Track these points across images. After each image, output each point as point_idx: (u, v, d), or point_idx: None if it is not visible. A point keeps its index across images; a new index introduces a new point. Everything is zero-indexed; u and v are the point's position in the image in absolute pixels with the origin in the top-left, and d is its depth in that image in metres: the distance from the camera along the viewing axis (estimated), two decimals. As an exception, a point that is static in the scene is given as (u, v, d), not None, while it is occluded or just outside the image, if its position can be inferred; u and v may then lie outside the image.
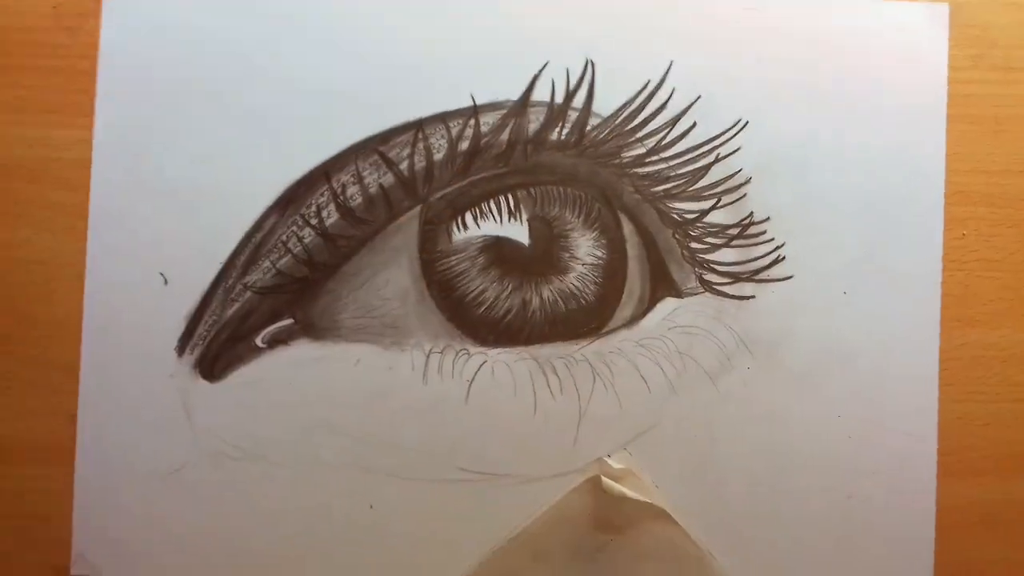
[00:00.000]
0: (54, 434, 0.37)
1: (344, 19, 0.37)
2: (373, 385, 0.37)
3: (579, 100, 0.37)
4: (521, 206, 0.37)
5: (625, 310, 0.37)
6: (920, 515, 0.37)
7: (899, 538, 0.37)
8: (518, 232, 0.37)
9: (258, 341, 0.37)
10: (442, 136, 0.37)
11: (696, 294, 0.37)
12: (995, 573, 0.38)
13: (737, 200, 0.37)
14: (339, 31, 0.37)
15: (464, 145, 0.37)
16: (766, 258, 0.37)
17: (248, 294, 0.36)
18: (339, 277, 0.37)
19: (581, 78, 0.37)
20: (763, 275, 0.37)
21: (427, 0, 0.37)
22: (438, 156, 0.36)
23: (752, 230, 0.37)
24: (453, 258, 0.37)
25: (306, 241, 0.36)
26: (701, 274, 0.37)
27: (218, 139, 0.37)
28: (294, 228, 0.36)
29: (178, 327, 0.36)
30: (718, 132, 0.37)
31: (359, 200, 0.36)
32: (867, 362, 0.37)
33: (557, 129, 0.37)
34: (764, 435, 0.37)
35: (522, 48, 0.37)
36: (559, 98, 0.37)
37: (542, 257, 0.37)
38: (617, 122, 0.37)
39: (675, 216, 0.37)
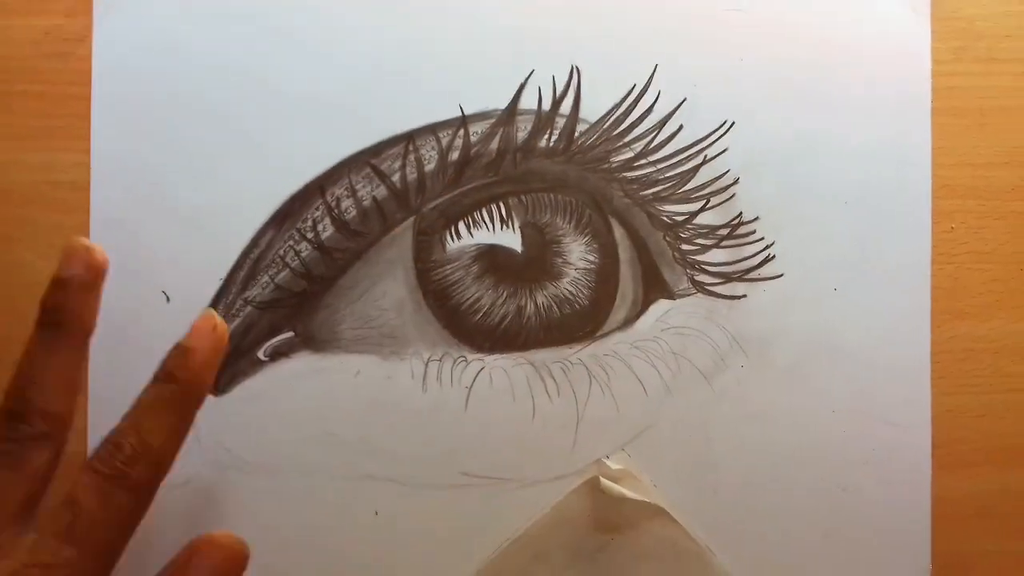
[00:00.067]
0: (65, 453, 0.37)
1: (332, 33, 0.37)
2: (374, 394, 0.37)
3: (566, 107, 0.37)
4: (513, 214, 0.37)
5: (619, 313, 0.38)
6: (915, 508, 0.37)
7: (895, 530, 0.37)
8: (511, 239, 0.37)
9: (260, 354, 0.37)
10: (432, 147, 0.37)
11: (688, 295, 0.37)
12: (991, 565, 0.38)
13: (726, 201, 0.37)
14: (327, 46, 0.37)
15: (454, 155, 0.37)
16: (756, 257, 0.37)
17: (248, 309, 0.37)
18: (337, 290, 0.37)
19: (567, 85, 0.37)
20: (754, 274, 0.37)
21: (413, 13, 0.37)
22: (429, 167, 0.37)
23: (742, 230, 0.37)
24: (447, 267, 0.37)
25: (303, 255, 0.37)
26: (692, 275, 0.37)
27: (214, 157, 0.37)
28: (291, 243, 0.37)
29: (181, 343, 0.37)
30: (705, 134, 0.37)
31: (353, 213, 0.37)
32: (859, 356, 0.37)
33: (545, 136, 0.37)
34: (759, 432, 0.37)
35: (508, 57, 0.37)
36: (546, 106, 0.37)
37: (535, 263, 0.37)
38: (604, 127, 0.37)
39: (665, 219, 0.37)
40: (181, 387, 0.31)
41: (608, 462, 0.37)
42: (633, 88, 0.37)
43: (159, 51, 0.37)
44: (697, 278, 0.37)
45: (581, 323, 0.37)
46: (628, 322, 0.37)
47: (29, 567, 0.28)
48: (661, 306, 0.37)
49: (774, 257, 0.37)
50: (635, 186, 0.37)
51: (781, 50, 0.37)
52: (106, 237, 0.37)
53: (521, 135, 0.37)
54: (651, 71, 0.37)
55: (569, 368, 0.37)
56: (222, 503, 0.37)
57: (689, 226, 0.37)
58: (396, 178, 0.37)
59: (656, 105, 0.37)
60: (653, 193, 0.37)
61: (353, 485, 0.37)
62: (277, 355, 0.37)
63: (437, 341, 0.37)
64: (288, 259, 0.37)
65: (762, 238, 0.37)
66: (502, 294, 0.37)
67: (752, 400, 0.37)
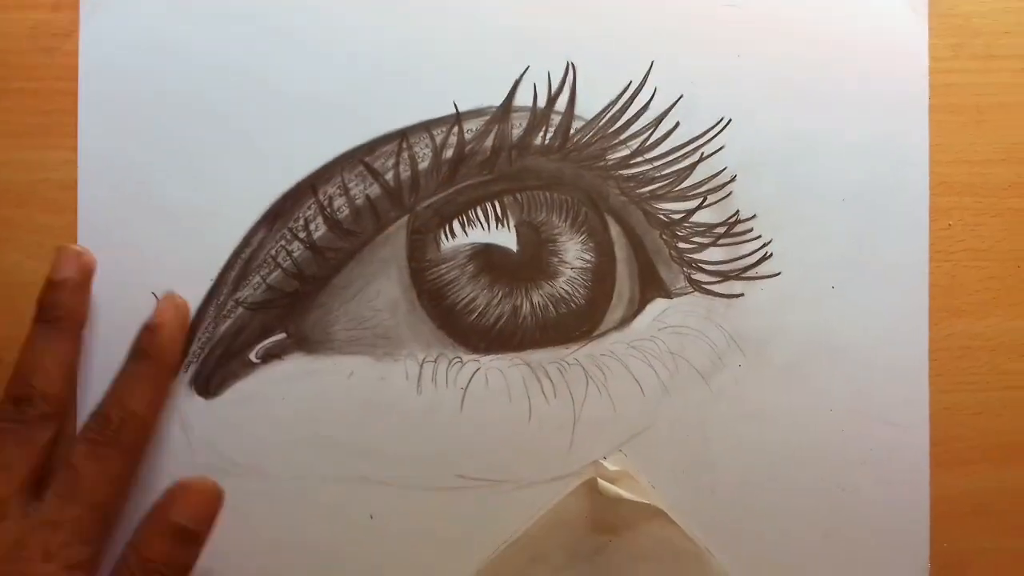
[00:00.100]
0: (55, 456, 0.37)
1: (324, 31, 0.37)
2: (367, 396, 0.37)
3: (561, 104, 0.37)
4: (508, 212, 0.37)
5: (615, 312, 0.37)
6: (913, 506, 0.37)
7: (893, 529, 0.37)
8: (506, 238, 0.37)
9: (252, 356, 0.37)
10: (426, 145, 0.37)
11: (685, 294, 0.37)
12: (988, 562, 0.38)
13: (723, 199, 0.37)
14: (319, 43, 0.37)
15: (449, 153, 0.36)
16: (753, 255, 0.37)
17: (240, 310, 0.37)
18: (329, 290, 0.37)
19: (563, 82, 0.37)
20: (751, 272, 0.37)
21: (406, 9, 0.37)
22: (423, 165, 0.37)
23: (739, 228, 0.37)
24: (442, 267, 0.37)
25: (295, 255, 0.36)
26: (690, 274, 0.37)
27: (203, 155, 0.37)
28: (283, 242, 0.36)
29: (172, 345, 0.37)
30: (701, 131, 0.37)
31: (346, 212, 0.36)
32: (857, 355, 0.37)
33: (541, 134, 0.37)
34: (757, 431, 0.37)
35: (503, 53, 0.37)
36: (541, 103, 0.37)
37: (531, 262, 0.37)
38: (600, 125, 0.37)
39: (662, 217, 0.37)
40: (154, 361, 0.35)
41: (605, 463, 0.37)
42: (629, 85, 0.37)
43: (147, 48, 0.37)
44: (694, 277, 0.37)
45: (577, 323, 0.37)
46: (625, 321, 0.37)
47: (39, 527, 0.33)
48: (658, 305, 0.37)
49: (771, 255, 0.37)
50: (631, 184, 0.37)
51: (778, 47, 0.37)
52: (94, 237, 0.37)
53: (516, 132, 0.37)
54: (647, 68, 0.37)
55: (566, 368, 0.37)
56: (215, 506, 0.37)
57: (686, 224, 0.37)
58: (389, 176, 0.36)
59: (652, 102, 0.37)
60: (650, 191, 0.37)
61: (348, 488, 0.37)
62: (269, 357, 0.37)
63: (432, 342, 0.37)
64: (280, 259, 0.36)
65: (759, 236, 0.37)
66: (497, 294, 0.37)
67: (750, 399, 0.37)
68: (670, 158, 0.37)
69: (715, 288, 0.37)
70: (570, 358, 0.37)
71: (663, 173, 0.37)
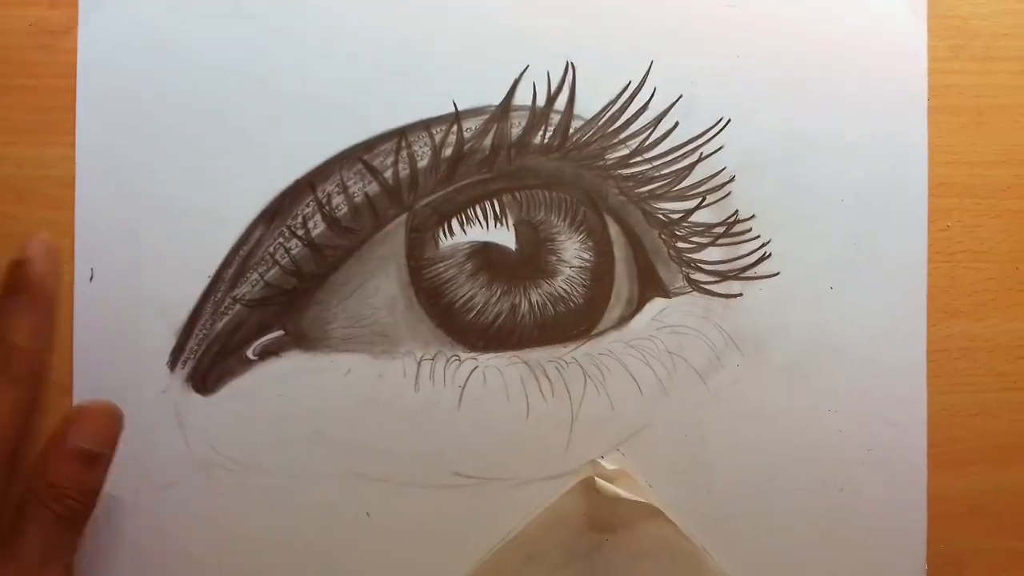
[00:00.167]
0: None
1: (322, 29, 0.37)
2: (365, 394, 0.37)
3: (561, 103, 0.37)
4: (507, 211, 0.37)
5: (614, 312, 0.37)
6: (911, 506, 0.37)
7: (891, 530, 0.37)
8: (505, 237, 0.37)
9: (249, 353, 0.37)
10: (425, 143, 0.36)
11: (684, 293, 0.37)
12: (985, 563, 0.38)
13: (722, 198, 0.37)
14: (318, 41, 0.37)
15: (448, 151, 0.36)
16: (752, 255, 0.37)
17: (237, 307, 0.37)
18: (327, 287, 0.37)
19: (562, 81, 0.37)
20: (750, 272, 0.37)
21: (406, 7, 0.37)
22: (422, 163, 0.36)
23: (738, 228, 0.37)
24: (440, 265, 0.37)
25: (293, 252, 0.36)
26: (688, 273, 0.37)
27: (202, 152, 0.37)
28: (281, 240, 0.36)
29: (169, 342, 0.36)
30: (701, 131, 0.37)
31: (345, 210, 0.36)
32: (855, 355, 0.37)
33: (540, 133, 0.37)
34: (755, 431, 0.37)
35: (503, 52, 0.37)
36: (541, 102, 0.37)
37: (529, 261, 0.37)
38: (599, 124, 0.37)
39: (661, 216, 0.37)
40: (29, 292, 0.33)
41: (603, 462, 0.37)
42: (629, 85, 0.37)
43: (146, 45, 0.37)
44: (693, 276, 0.37)
45: (576, 322, 0.37)
46: (623, 321, 0.37)
47: None
48: (656, 304, 0.37)
49: (770, 255, 0.37)
50: (630, 183, 0.37)
51: (777, 47, 0.37)
52: (92, 234, 0.37)
53: (515, 131, 0.37)
54: (647, 68, 0.37)
55: (564, 367, 0.37)
56: (211, 504, 0.37)
57: (685, 224, 0.37)
58: (388, 174, 0.36)
59: (652, 102, 0.37)
60: (649, 190, 0.37)
61: (345, 485, 0.37)
62: (267, 354, 0.37)
63: (430, 339, 0.37)
64: (278, 256, 0.36)
65: (758, 236, 0.37)
66: (496, 292, 0.37)
67: (748, 399, 0.37)
68: (669, 158, 0.37)
69: (714, 288, 0.37)
70: (568, 357, 0.37)
71: (662, 173, 0.37)
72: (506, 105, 0.37)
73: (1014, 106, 0.38)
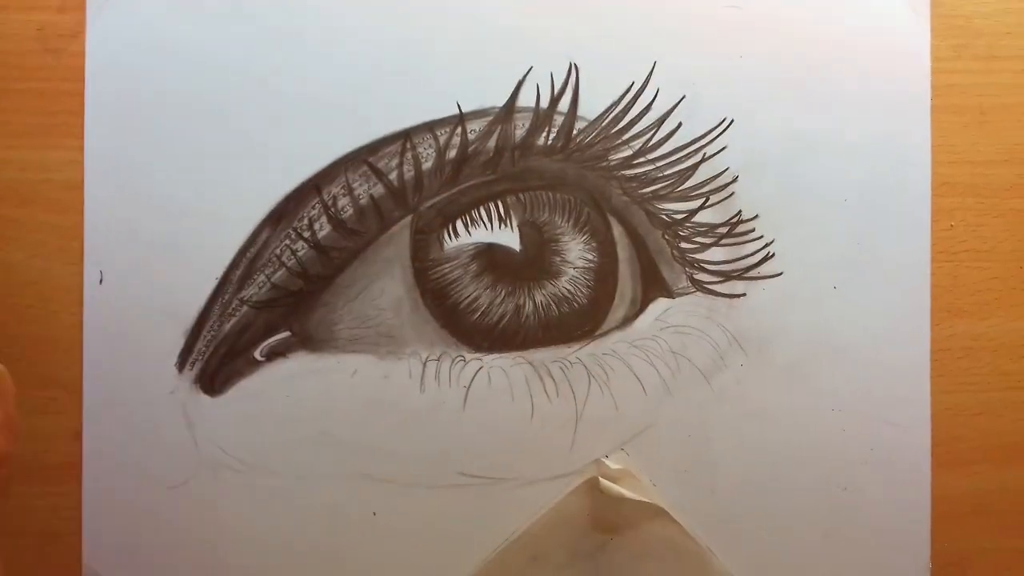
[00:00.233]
0: (61, 453, 0.37)
1: (328, 31, 0.37)
2: (371, 394, 0.37)
3: (564, 104, 0.37)
4: (511, 212, 0.37)
5: (618, 312, 0.37)
6: (914, 505, 0.37)
7: (894, 529, 0.37)
8: (509, 238, 0.37)
9: (257, 355, 0.37)
10: (430, 145, 0.37)
11: (688, 294, 0.37)
12: (988, 562, 0.38)
13: (725, 199, 0.37)
14: (324, 44, 0.37)
15: (452, 153, 0.37)
16: (756, 255, 0.37)
17: (245, 309, 0.37)
18: (334, 289, 0.37)
19: (565, 82, 0.37)
20: (753, 272, 0.37)
21: (410, 10, 0.37)
22: (427, 165, 0.37)
23: (741, 228, 0.37)
24: (445, 266, 0.37)
25: (300, 254, 0.37)
26: (692, 274, 0.37)
27: (209, 155, 0.37)
28: (287, 242, 0.37)
29: (177, 343, 0.37)
30: (704, 131, 0.37)
31: (350, 212, 0.37)
32: (858, 355, 0.37)
33: (544, 134, 0.37)
34: (759, 431, 0.37)
35: (506, 54, 0.37)
36: (544, 103, 0.37)
37: (534, 262, 0.37)
38: (603, 125, 0.37)
39: (664, 217, 0.37)
40: None
41: (607, 461, 0.37)
42: (632, 86, 0.37)
43: (153, 49, 0.37)
44: (696, 276, 0.37)
45: (580, 322, 0.37)
46: (627, 321, 0.37)
47: None
48: (660, 305, 0.37)
49: (773, 255, 0.37)
50: (634, 184, 0.37)
51: (780, 48, 0.37)
52: (101, 237, 0.37)
53: (519, 133, 0.37)
54: (650, 69, 0.37)
55: (568, 367, 0.37)
56: (219, 504, 0.37)
57: (688, 224, 0.37)
58: (393, 176, 0.37)
59: (655, 103, 0.37)
60: (652, 191, 0.37)
61: (351, 485, 0.37)
62: (274, 355, 0.37)
63: (435, 340, 0.37)
64: (285, 258, 0.37)
65: (761, 236, 0.37)
66: (500, 293, 0.37)
67: (751, 399, 0.37)
68: (672, 158, 0.37)
69: (717, 288, 0.37)
70: (572, 357, 0.37)
71: (665, 173, 0.37)
72: (510, 107, 0.37)
73: (1017, 105, 0.38)
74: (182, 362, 0.37)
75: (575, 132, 0.37)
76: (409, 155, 0.37)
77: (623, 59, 0.37)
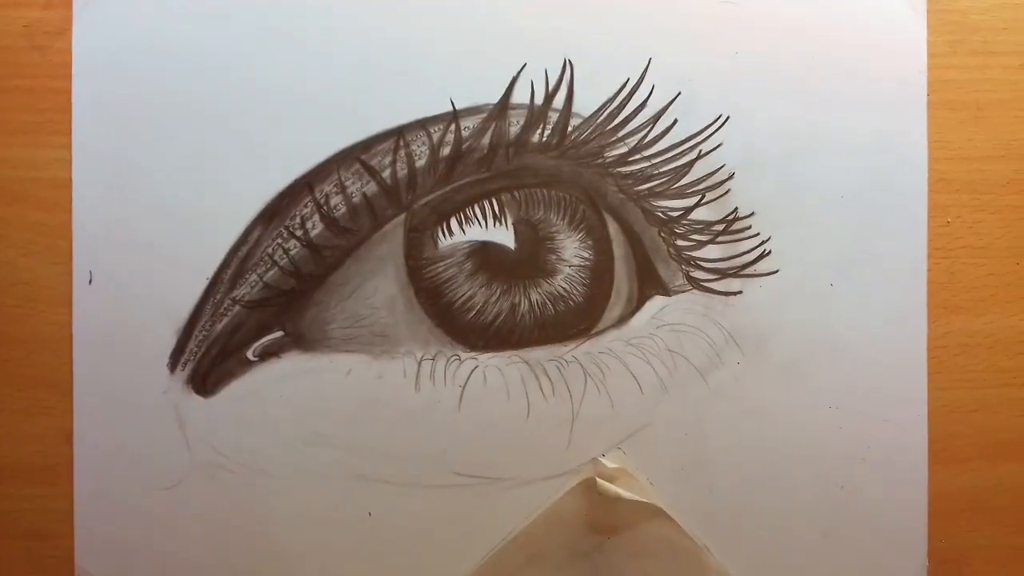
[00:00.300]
0: (52, 454, 0.37)
1: (319, 28, 0.37)
2: (365, 394, 0.37)
3: (559, 101, 0.37)
4: (506, 210, 0.37)
5: (614, 310, 0.37)
6: (911, 503, 0.38)
7: (891, 526, 0.37)
8: (504, 236, 0.37)
9: (249, 355, 0.37)
10: (423, 142, 0.36)
11: (684, 291, 0.37)
12: (986, 558, 0.38)
13: (721, 196, 0.37)
14: (315, 41, 0.37)
15: (446, 151, 0.36)
16: (752, 253, 0.37)
17: (237, 308, 0.36)
18: (327, 288, 0.37)
19: (560, 79, 0.37)
20: (750, 270, 0.37)
21: (403, 7, 0.37)
22: (420, 163, 0.36)
23: (737, 225, 0.37)
24: (440, 264, 0.37)
25: (292, 253, 0.36)
26: (688, 271, 0.37)
27: (199, 153, 0.36)
28: (279, 240, 0.36)
29: (169, 343, 0.36)
30: (699, 128, 0.37)
31: (343, 210, 0.36)
32: (855, 352, 0.37)
33: (538, 131, 0.37)
34: (756, 429, 0.37)
35: (500, 50, 0.37)
36: (539, 100, 0.36)
37: (529, 260, 0.37)
38: (598, 122, 0.37)
39: (660, 214, 0.37)
40: None
41: (604, 460, 0.37)
42: (627, 82, 0.37)
43: (141, 46, 0.37)
44: (692, 274, 0.37)
45: (576, 320, 0.37)
46: (623, 319, 0.37)
47: None
48: (656, 303, 0.37)
49: (770, 253, 0.37)
50: (629, 181, 0.37)
51: (776, 44, 0.37)
52: (89, 236, 0.36)
53: (514, 130, 0.36)
54: (645, 65, 0.37)
55: (564, 366, 0.37)
56: (212, 505, 0.37)
57: (684, 222, 0.37)
58: (386, 174, 0.36)
59: (650, 100, 0.37)
60: (648, 188, 0.37)
61: (346, 486, 0.37)
62: (266, 355, 0.37)
63: (429, 339, 0.37)
64: (277, 257, 0.36)
65: (758, 234, 0.37)
66: (495, 291, 0.37)
67: (748, 397, 0.37)
68: (668, 155, 0.37)
69: (714, 286, 0.37)
70: (568, 356, 0.37)
71: (661, 170, 0.37)
72: (504, 103, 0.36)
73: (1013, 100, 0.38)
74: (174, 362, 0.37)
75: (570, 129, 0.37)
76: (402, 152, 0.36)
77: (618, 55, 0.37)
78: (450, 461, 0.37)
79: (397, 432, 0.37)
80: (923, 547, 0.37)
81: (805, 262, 0.37)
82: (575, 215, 0.37)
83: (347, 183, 0.36)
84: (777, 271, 0.37)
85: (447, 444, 0.37)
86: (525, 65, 0.37)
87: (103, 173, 0.36)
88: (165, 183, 0.36)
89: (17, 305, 0.37)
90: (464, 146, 0.36)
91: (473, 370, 0.37)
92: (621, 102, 0.37)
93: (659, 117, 0.37)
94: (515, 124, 0.37)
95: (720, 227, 0.37)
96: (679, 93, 0.37)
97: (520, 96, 0.37)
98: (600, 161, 0.37)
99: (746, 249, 0.37)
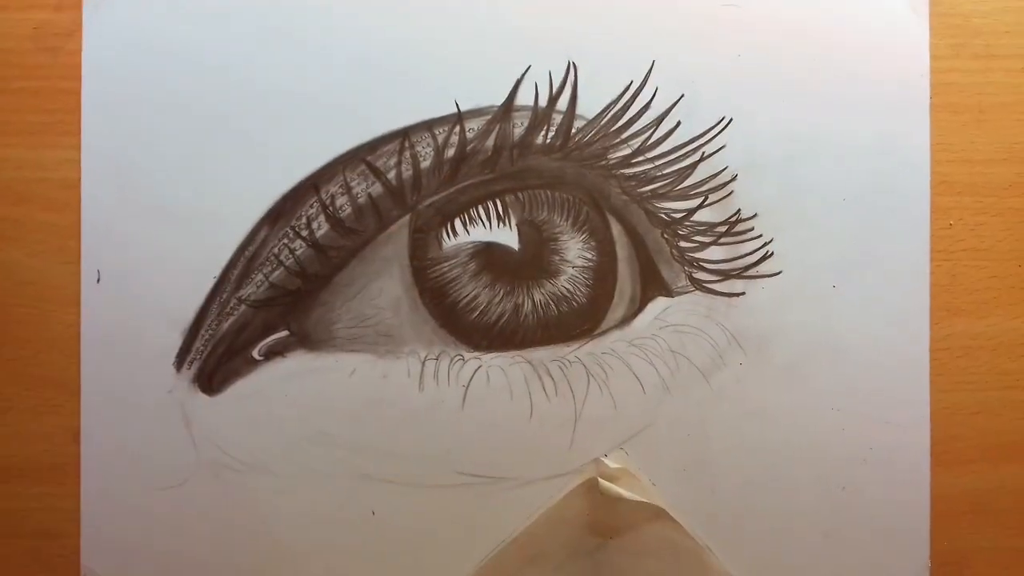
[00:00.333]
0: (58, 453, 0.37)
1: (325, 30, 0.37)
2: (370, 394, 0.37)
3: (563, 103, 0.37)
4: (510, 211, 0.37)
5: (617, 311, 0.37)
6: (913, 505, 0.37)
7: (893, 528, 0.37)
8: (507, 237, 0.37)
9: (255, 354, 0.37)
10: (428, 144, 0.37)
11: (687, 292, 0.37)
12: (988, 561, 0.38)
13: (724, 198, 0.37)
14: (321, 42, 0.37)
15: (450, 152, 0.37)
16: (755, 254, 0.37)
17: (243, 308, 0.37)
18: (332, 288, 0.37)
19: (564, 81, 0.37)
20: (752, 271, 0.37)
21: (408, 8, 0.37)
22: (425, 164, 0.37)
23: (740, 227, 0.37)
24: (444, 265, 0.37)
25: (298, 253, 0.37)
26: (691, 272, 0.37)
27: (206, 154, 0.37)
28: (285, 241, 0.37)
29: (175, 343, 0.37)
30: (702, 130, 0.37)
31: (348, 210, 0.37)
32: (857, 354, 0.37)
33: (542, 133, 0.37)
34: (758, 430, 0.37)
35: (505, 53, 0.37)
36: (543, 102, 0.37)
37: (532, 261, 0.37)
38: (602, 124, 0.37)
39: (663, 216, 0.37)
40: None
41: (606, 461, 0.37)
42: (630, 84, 0.37)
43: (150, 47, 0.37)
44: (695, 275, 0.37)
45: (579, 321, 0.37)
46: (626, 320, 0.37)
47: None
48: (659, 304, 0.37)
49: (772, 254, 0.37)
50: (633, 183, 0.37)
51: (778, 46, 0.37)
52: (97, 236, 0.37)
53: (518, 132, 0.37)
54: (648, 67, 0.37)
55: (567, 366, 0.37)
56: (217, 504, 0.37)
57: (687, 223, 0.37)
58: (392, 175, 0.36)
59: (653, 101, 0.37)
60: (651, 190, 0.37)
61: (349, 485, 0.37)
62: (272, 354, 0.37)
63: (434, 340, 0.37)
64: (283, 257, 0.37)
65: (760, 235, 0.37)
66: (499, 292, 0.37)
67: (751, 398, 0.37)
68: (671, 157, 0.37)
69: (716, 287, 0.37)
70: (571, 356, 0.37)
71: (664, 172, 0.37)
72: (508, 105, 0.37)
73: (1015, 103, 0.38)
74: (180, 361, 0.37)
75: (574, 131, 0.37)
76: (407, 154, 0.36)
77: (622, 58, 0.37)
78: (453, 461, 0.37)
79: (401, 431, 0.37)
80: (925, 549, 0.37)
81: (807, 264, 0.37)
82: (579, 216, 0.37)
83: (353, 184, 0.36)
84: (779, 273, 0.37)
85: (450, 444, 0.37)
86: (529, 67, 0.37)
87: (112, 174, 0.37)
88: (173, 183, 0.37)
89: (26, 305, 0.37)
90: (468, 148, 0.37)
91: (476, 370, 0.37)
92: (625, 104, 0.37)
93: (662, 119, 0.37)
94: (519, 126, 0.37)
95: (723, 229, 0.37)
96: (682, 95, 0.37)
97: (524, 98, 0.37)
98: (604, 163, 0.37)
99: (748, 251, 0.37)
